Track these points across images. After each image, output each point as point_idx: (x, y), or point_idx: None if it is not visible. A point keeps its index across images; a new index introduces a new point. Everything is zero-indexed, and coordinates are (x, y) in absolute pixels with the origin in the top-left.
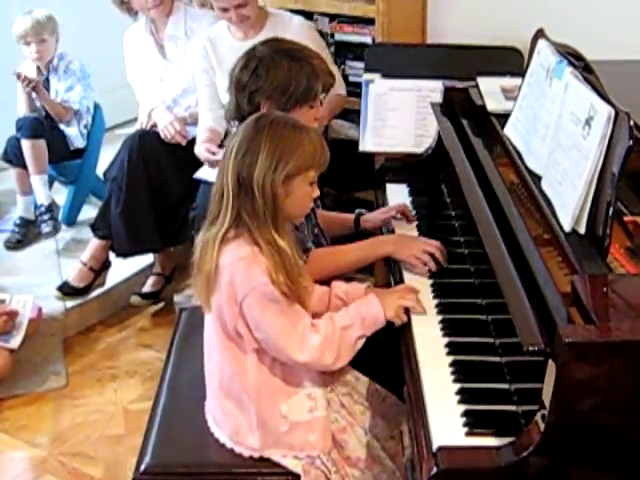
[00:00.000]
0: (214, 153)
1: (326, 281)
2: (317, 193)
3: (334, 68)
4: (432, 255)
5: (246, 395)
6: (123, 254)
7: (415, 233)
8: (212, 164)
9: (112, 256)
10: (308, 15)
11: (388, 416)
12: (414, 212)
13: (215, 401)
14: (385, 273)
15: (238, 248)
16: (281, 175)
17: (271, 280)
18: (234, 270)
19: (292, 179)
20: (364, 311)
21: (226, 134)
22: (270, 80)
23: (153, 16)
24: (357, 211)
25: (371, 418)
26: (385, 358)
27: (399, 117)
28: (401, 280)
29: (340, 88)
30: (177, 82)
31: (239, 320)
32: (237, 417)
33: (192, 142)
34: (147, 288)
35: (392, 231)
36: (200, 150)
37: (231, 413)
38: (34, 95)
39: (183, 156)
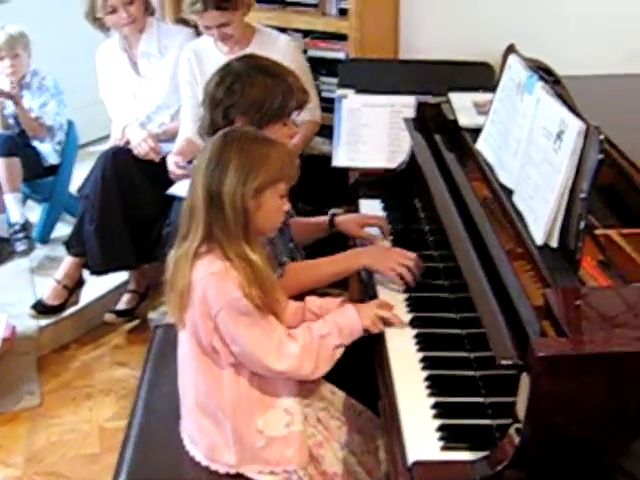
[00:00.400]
0: (182, 167)
1: (300, 297)
2: (288, 206)
3: (313, 92)
4: (408, 268)
5: (222, 412)
6: (97, 272)
7: (388, 245)
8: (177, 177)
9: (86, 274)
10: (281, 31)
11: (364, 431)
12: (388, 227)
13: (190, 419)
14: (359, 288)
15: (210, 263)
16: (251, 188)
17: (244, 294)
18: (206, 285)
19: (262, 192)
20: (341, 321)
21: None
22: (246, 96)
23: (126, 33)
24: (331, 211)
25: (347, 433)
26: (360, 372)
27: (372, 132)
28: (375, 295)
29: (316, 115)
30: (150, 99)
31: (214, 335)
32: (213, 434)
33: (166, 158)
34: (122, 305)
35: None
36: (169, 162)
37: (207, 430)
38: (6, 112)
39: (157, 172)
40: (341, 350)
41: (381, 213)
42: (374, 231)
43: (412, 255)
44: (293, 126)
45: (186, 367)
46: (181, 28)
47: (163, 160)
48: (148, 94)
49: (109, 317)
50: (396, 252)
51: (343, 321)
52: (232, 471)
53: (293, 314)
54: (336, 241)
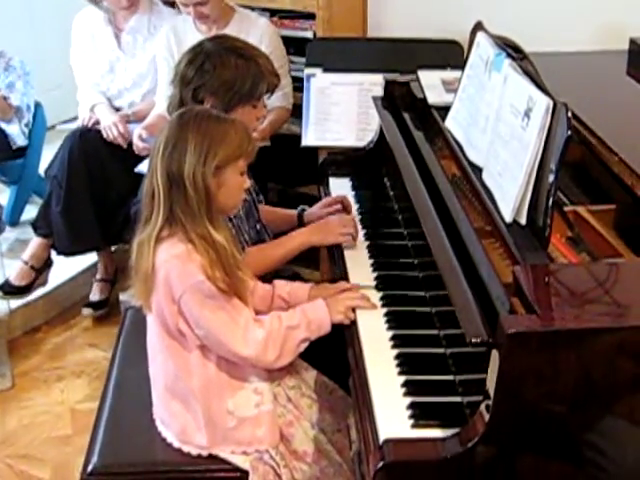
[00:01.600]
0: (144, 140)
1: (269, 279)
2: (248, 183)
3: (288, 79)
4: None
5: (192, 394)
6: (64, 252)
7: (358, 227)
8: (139, 150)
9: (54, 255)
10: (257, 14)
11: (335, 409)
12: (357, 206)
13: (161, 403)
14: (330, 267)
15: (172, 246)
16: (211, 167)
17: (207, 276)
18: (169, 268)
19: (222, 170)
20: (311, 315)
21: None
22: (216, 76)
23: (122, 14)
24: (300, 208)
25: (318, 412)
26: (331, 350)
27: (341, 111)
28: (345, 272)
29: (288, 101)
30: (127, 75)
31: (179, 318)
32: (184, 417)
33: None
34: (95, 297)
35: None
36: (134, 134)
37: (178, 413)
38: None
39: (126, 153)
40: (306, 344)
41: (350, 192)
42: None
43: (348, 218)
44: (263, 108)
45: (155, 351)
46: (172, 10)
47: (132, 143)
48: (125, 70)
49: (86, 312)
50: (334, 222)
51: (313, 315)
52: (204, 452)
53: (261, 297)
54: None
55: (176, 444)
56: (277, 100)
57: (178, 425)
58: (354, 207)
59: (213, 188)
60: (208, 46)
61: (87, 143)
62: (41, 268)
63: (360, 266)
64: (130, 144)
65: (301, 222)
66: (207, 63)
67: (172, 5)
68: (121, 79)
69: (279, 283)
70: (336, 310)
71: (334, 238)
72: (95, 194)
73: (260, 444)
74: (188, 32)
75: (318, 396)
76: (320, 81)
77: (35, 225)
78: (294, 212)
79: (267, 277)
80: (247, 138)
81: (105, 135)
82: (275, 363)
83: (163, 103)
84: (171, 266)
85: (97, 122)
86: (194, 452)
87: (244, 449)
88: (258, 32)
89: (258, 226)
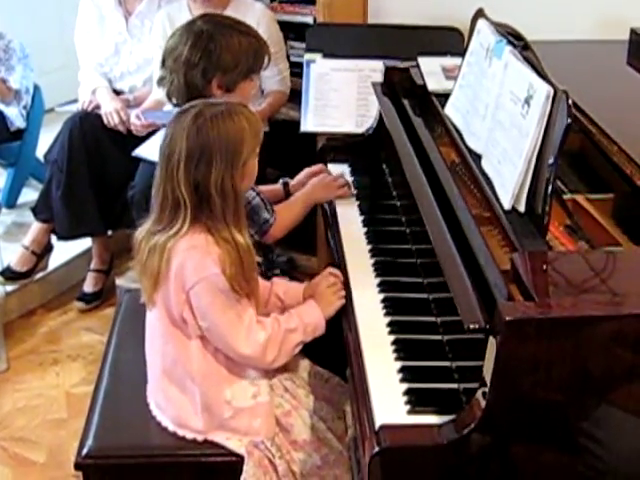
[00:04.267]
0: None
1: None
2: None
3: (285, 65)
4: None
5: (190, 380)
6: (65, 237)
7: (357, 213)
8: (137, 130)
9: (54, 239)
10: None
11: (332, 398)
12: (355, 191)
13: (157, 386)
14: (328, 252)
15: (192, 236)
16: (238, 168)
17: (222, 271)
18: (185, 258)
19: (246, 164)
20: (306, 318)
21: None
22: (223, 56)
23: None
24: (281, 180)
25: (315, 401)
26: (327, 339)
27: (340, 97)
28: (343, 258)
29: (285, 85)
30: (132, 58)
31: (185, 307)
32: (181, 401)
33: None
34: (89, 288)
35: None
36: (132, 115)
37: (174, 398)
38: None
39: (125, 137)
40: (301, 347)
41: (349, 178)
42: None
43: (337, 173)
44: (256, 81)
45: (155, 335)
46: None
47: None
48: (131, 53)
49: (79, 305)
50: (327, 177)
51: (308, 319)
52: (199, 437)
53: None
54: None
55: (171, 428)
56: (275, 84)
57: (174, 409)
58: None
59: (240, 186)
60: (205, 26)
61: (87, 127)
62: (42, 253)
63: (358, 252)
64: (130, 129)
65: (287, 193)
66: (211, 44)
67: None
68: (125, 62)
69: (277, 282)
70: (326, 303)
71: (334, 193)
72: (95, 179)
73: (256, 435)
74: (183, 18)
75: (313, 386)
76: (320, 67)
77: (35, 210)
78: (278, 186)
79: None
80: (257, 123)
81: (106, 121)
82: (272, 364)
83: (160, 89)
84: (188, 256)
85: (97, 106)
86: (189, 436)
87: (239, 437)
88: (255, 17)
89: (257, 200)
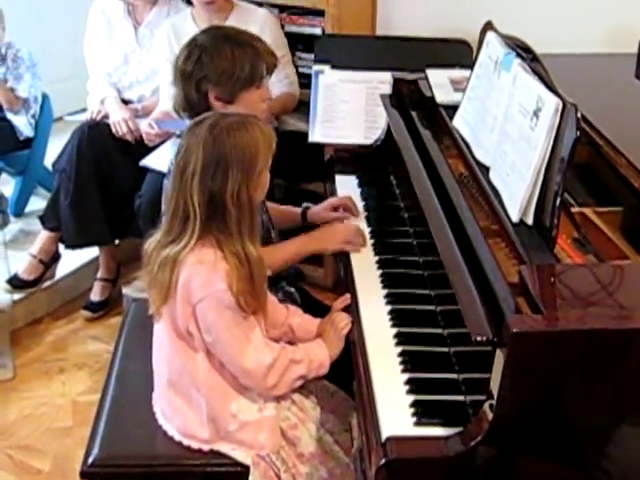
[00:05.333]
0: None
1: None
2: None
3: (291, 69)
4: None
5: (196, 391)
6: (72, 246)
7: (364, 224)
8: (150, 139)
9: (61, 248)
10: (257, 6)
11: (338, 411)
12: (363, 203)
13: (163, 396)
14: (335, 264)
15: (201, 250)
16: (254, 179)
17: (229, 287)
18: (193, 272)
19: (261, 175)
20: (312, 355)
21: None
22: (215, 66)
23: (141, 7)
24: (304, 205)
25: (322, 413)
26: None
27: (349, 109)
28: (350, 270)
29: (293, 89)
30: (140, 68)
31: (191, 321)
32: (186, 412)
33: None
34: (95, 297)
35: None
36: (143, 125)
37: (180, 408)
38: None
39: (133, 147)
40: (302, 381)
41: (356, 189)
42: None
43: (354, 228)
44: (266, 89)
45: (162, 346)
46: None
47: (140, 138)
48: (140, 63)
49: (85, 314)
50: (339, 230)
51: (314, 356)
52: (205, 447)
53: (274, 320)
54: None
55: (177, 437)
56: (284, 87)
57: (180, 419)
58: (360, 204)
59: (255, 196)
60: (202, 38)
61: (95, 137)
62: (49, 262)
63: (365, 264)
64: (138, 139)
65: (305, 220)
66: (204, 55)
67: (189, 2)
68: (134, 71)
69: (293, 311)
70: (332, 346)
71: (334, 246)
72: (103, 188)
73: (261, 449)
74: (187, 29)
75: (319, 398)
76: (328, 78)
77: (43, 219)
78: (298, 210)
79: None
80: (270, 134)
81: (114, 131)
82: (270, 390)
83: (167, 102)
84: (195, 271)
85: (106, 115)
86: (195, 446)
87: (244, 450)
88: (258, 23)
89: (264, 218)
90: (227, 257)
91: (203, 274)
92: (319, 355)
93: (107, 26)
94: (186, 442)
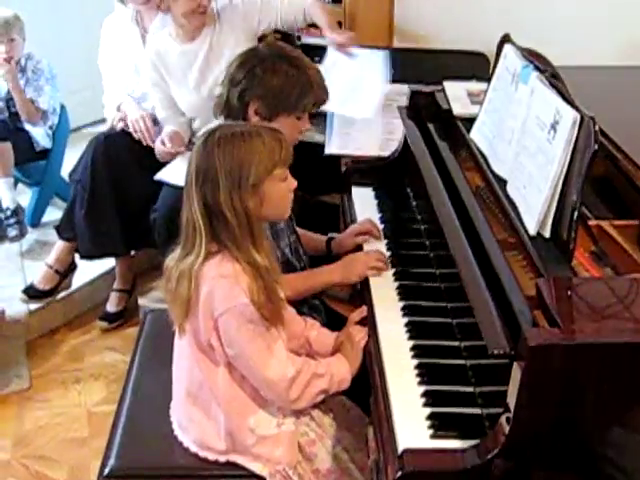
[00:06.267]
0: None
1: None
2: (294, 183)
3: None
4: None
5: (215, 404)
6: (87, 256)
7: (382, 240)
8: (162, 157)
9: (77, 259)
10: None
11: (354, 429)
12: (379, 215)
13: (181, 407)
14: None
15: (220, 264)
16: (247, 188)
17: (251, 300)
18: (214, 286)
19: (260, 186)
20: (335, 370)
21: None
22: (265, 81)
23: (148, 14)
24: (329, 235)
25: (338, 429)
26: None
27: (366, 120)
28: (366, 282)
29: None
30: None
31: (212, 333)
32: (204, 424)
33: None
34: (112, 308)
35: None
36: (157, 142)
37: (198, 420)
38: (1, 94)
39: (149, 158)
40: (323, 395)
41: (373, 201)
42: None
43: (375, 255)
44: (307, 122)
45: (182, 357)
46: None
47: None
48: None
49: (102, 325)
50: (360, 259)
51: (336, 370)
52: (222, 458)
53: (293, 332)
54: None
55: (193, 449)
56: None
57: (197, 431)
58: (376, 217)
59: (254, 208)
60: (262, 51)
61: (111, 147)
62: (65, 272)
63: (382, 276)
64: (152, 148)
65: (329, 249)
66: (258, 67)
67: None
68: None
69: (310, 324)
70: (353, 360)
71: (358, 277)
72: (118, 199)
73: (277, 464)
74: (170, 50)
75: (336, 414)
76: None
77: (59, 229)
78: (323, 238)
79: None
80: (278, 146)
81: (132, 128)
82: (293, 404)
83: (168, 125)
84: (217, 284)
85: (124, 119)
86: (211, 457)
87: (263, 463)
88: (232, 9)
89: (292, 238)
90: (245, 269)
91: (225, 288)
92: (341, 370)
93: (117, 39)
94: (202, 454)
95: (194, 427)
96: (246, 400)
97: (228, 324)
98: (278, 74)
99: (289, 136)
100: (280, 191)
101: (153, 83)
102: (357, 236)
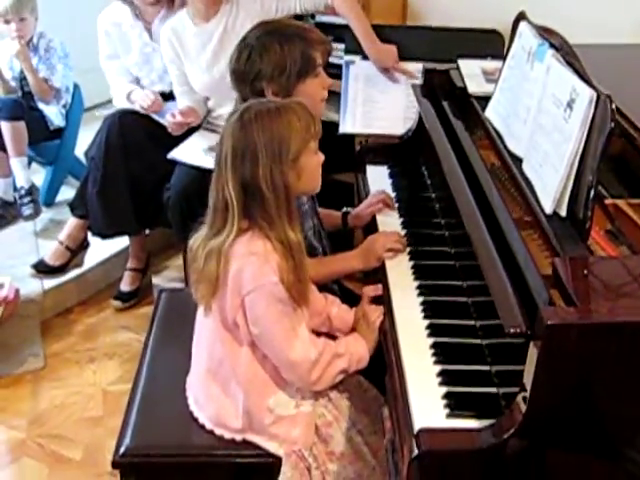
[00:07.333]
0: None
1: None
2: (323, 157)
3: None
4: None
5: (235, 382)
6: (99, 234)
7: (395, 212)
8: (172, 128)
9: (90, 237)
10: None
11: (370, 411)
12: (394, 194)
13: (199, 383)
14: None
15: (251, 241)
16: (288, 162)
17: (280, 280)
18: (244, 264)
19: (298, 160)
20: (353, 348)
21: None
22: (265, 63)
23: (150, 9)
24: (343, 210)
25: (355, 412)
26: None
27: (388, 99)
28: (382, 264)
29: None
30: (163, 62)
31: (239, 312)
32: (222, 401)
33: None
34: (125, 287)
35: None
36: (168, 114)
37: (216, 397)
38: (10, 76)
39: (163, 137)
40: (343, 375)
41: (387, 180)
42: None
43: (393, 236)
44: (325, 77)
45: (203, 333)
46: None
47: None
48: (162, 58)
49: (116, 304)
50: (379, 242)
51: (354, 349)
52: (238, 437)
53: (316, 309)
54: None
55: (209, 426)
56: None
57: (214, 408)
58: (391, 195)
59: (293, 182)
60: (250, 37)
61: (126, 126)
62: (77, 249)
63: (397, 255)
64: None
65: (345, 224)
66: (253, 53)
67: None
68: (159, 67)
69: (330, 300)
70: (370, 340)
71: (377, 260)
72: (132, 177)
73: (294, 444)
74: (187, 28)
75: (352, 394)
76: (359, 68)
77: (72, 205)
78: (338, 213)
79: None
80: (311, 119)
81: (140, 105)
82: (313, 385)
83: (181, 99)
84: (247, 262)
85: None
86: (227, 436)
87: (279, 443)
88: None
89: (317, 223)
90: (276, 247)
91: (255, 265)
92: (359, 348)
93: (120, 35)
94: (218, 431)
95: (211, 404)
96: (266, 380)
97: (255, 302)
98: (273, 51)
99: (316, 96)
100: (314, 164)
101: (170, 60)
102: (371, 207)
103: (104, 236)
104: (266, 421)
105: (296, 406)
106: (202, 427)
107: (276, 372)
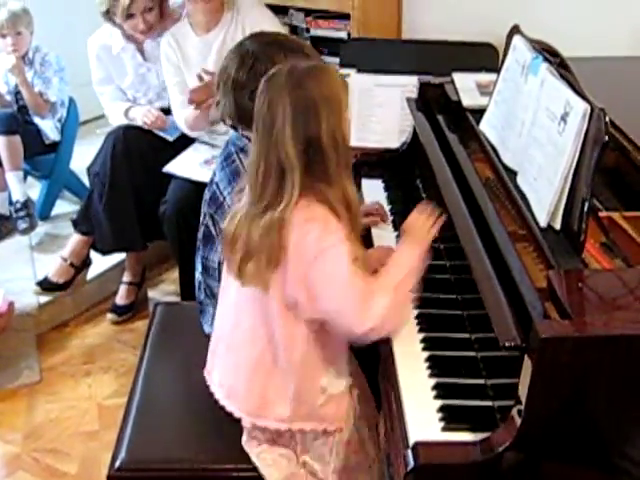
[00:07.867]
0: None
1: None
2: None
3: None
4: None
5: (287, 366)
6: (105, 251)
7: (390, 229)
8: (150, 124)
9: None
10: (283, 10)
11: (368, 412)
12: (389, 207)
13: (239, 372)
14: None
15: (308, 208)
16: (343, 116)
17: (342, 241)
18: (305, 231)
19: (345, 113)
20: (407, 262)
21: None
22: None
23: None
24: None
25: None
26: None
27: (384, 113)
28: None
29: None
30: (160, 79)
31: (301, 285)
32: (266, 388)
33: (177, 138)
34: (121, 301)
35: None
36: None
37: (259, 384)
38: (4, 90)
39: (166, 151)
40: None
41: (382, 193)
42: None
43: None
44: None
45: (244, 317)
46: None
47: (174, 141)
48: (158, 76)
49: (111, 317)
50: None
51: (409, 261)
52: (283, 426)
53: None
54: None
55: (246, 419)
56: None
57: (256, 396)
58: (386, 208)
59: (348, 135)
60: (252, 46)
61: (130, 141)
62: (80, 266)
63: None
64: (172, 143)
65: None
66: (257, 64)
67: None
68: (155, 84)
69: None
70: (423, 238)
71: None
72: (136, 192)
73: (339, 422)
74: (187, 37)
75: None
76: (363, 82)
77: (76, 222)
78: None
79: None
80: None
81: (143, 122)
82: (399, 325)
83: (180, 112)
84: (308, 228)
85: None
86: (272, 426)
87: (325, 427)
88: (253, 16)
89: None
90: (334, 209)
91: (317, 230)
92: (412, 258)
93: (111, 59)
94: (260, 422)
95: (253, 392)
96: (319, 361)
97: (321, 267)
98: (279, 62)
99: None
100: (348, 120)
101: (169, 66)
102: (366, 216)
103: (105, 252)
104: (318, 402)
105: (346, 384)
106: (198, 441)
107: (327, 350)
